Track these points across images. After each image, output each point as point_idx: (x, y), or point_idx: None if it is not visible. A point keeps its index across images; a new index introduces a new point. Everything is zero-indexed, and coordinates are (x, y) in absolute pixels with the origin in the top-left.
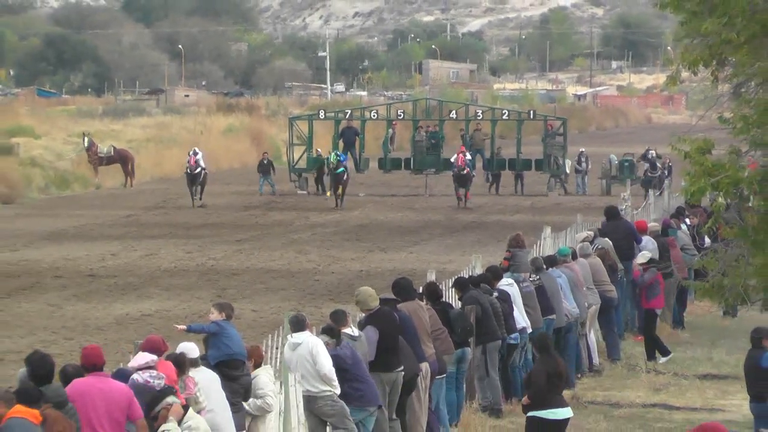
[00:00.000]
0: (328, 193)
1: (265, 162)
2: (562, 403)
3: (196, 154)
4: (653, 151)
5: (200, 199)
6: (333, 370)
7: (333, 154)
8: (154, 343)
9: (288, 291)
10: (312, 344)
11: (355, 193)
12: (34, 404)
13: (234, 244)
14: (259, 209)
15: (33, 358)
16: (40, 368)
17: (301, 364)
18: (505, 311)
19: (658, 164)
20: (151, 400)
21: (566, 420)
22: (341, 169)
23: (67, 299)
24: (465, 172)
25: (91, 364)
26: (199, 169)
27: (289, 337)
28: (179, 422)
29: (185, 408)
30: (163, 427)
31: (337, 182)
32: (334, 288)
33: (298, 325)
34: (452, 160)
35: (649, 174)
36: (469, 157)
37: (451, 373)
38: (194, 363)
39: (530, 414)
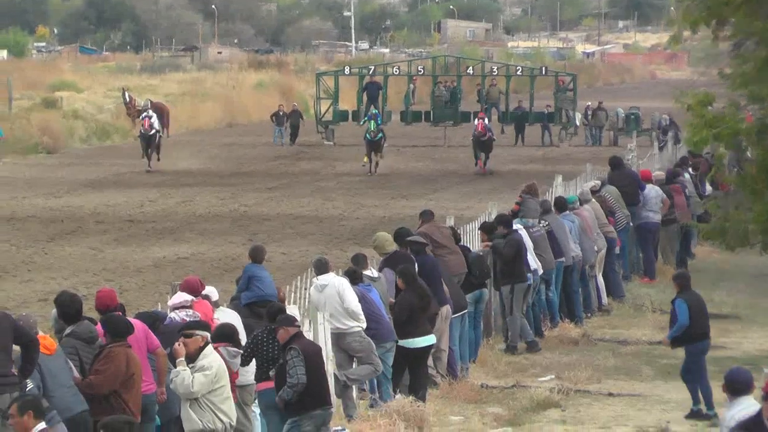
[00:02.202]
0: (365, 159)
1: (281, 113)
2: (424, 332)
3: (150, 117)
4: (666, 116)
5: (158, 160)
6: (359, 306)
7: (373, 122)
8: (192, 283)
9: (315, 235)
10: (338, 284)
11: None
12: (123, 338)
13: (265, 191)
14: (288, 159)
15: (62, 298)
16: (68, 308)
17: (330, 303)
18: None
19: (667, 126)
20: (189, 324)
21: (428, 347)
22: (380, 135)
23: (108, 243)
24: (486, 137)
25: (105, 306)
26: (153, 131)
27: (315, 279)
28: (194, 359)
29: (203, 347)
30: (175, 369)
31: (376, 149)
32: (359, 233)
33: (322, 267)
34: (474, 124)
35: (661, 137)
36: (487, 122)
37: (469, 312)
38: (215, 305)
39: (398, 343)
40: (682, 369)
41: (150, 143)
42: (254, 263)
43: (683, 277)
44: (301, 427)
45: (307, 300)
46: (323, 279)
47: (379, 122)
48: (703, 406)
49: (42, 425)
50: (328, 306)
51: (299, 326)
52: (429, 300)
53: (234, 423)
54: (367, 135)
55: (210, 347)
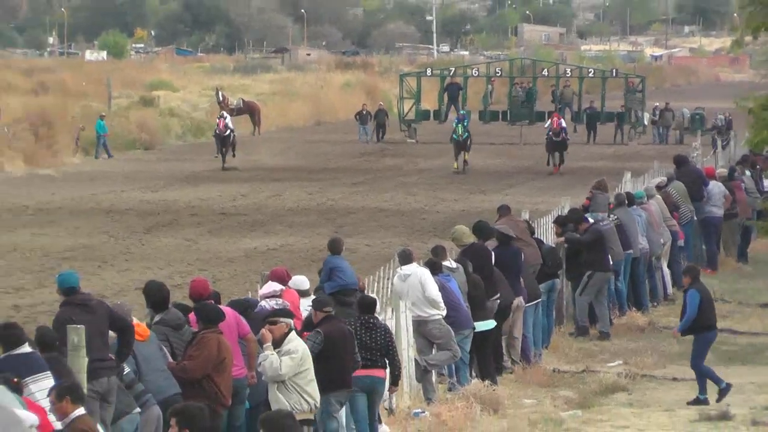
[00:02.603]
0: (455, 165)
1: (364, 113)
2: (482, 317)
3: (224, 117)
4: (722, 116)
5: (233, 156)
6: (440, 294)
7: (460, 125)
8: (280, 274)
9: (398, 228)
10: (421, 274)
11: None
12: (215, 324)
13: (350, 186)
14: (372, 155)
15: (150, 286)
16: (156, 296)
17: (412, 292)
18: None
19: (722, 126)
20: (275, 312)
21: (489, 330)
22: (466, 135)
23: (202, 235)
24: (560, 138)
25: (198, 295)
26: (228, 132)
27: (398, 269)
28: (279, 345)
29: (287, 332)
30: (263, 354)
31: (462, 148)
32: (439, 225)
33: (407, 258)
34: (546, 125)
35: (716, 137)
36: (564, 124)
37: (542, 301)
38: (305, 293)
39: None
40: (692, 358)
41: (225, 143)
42: (333, 255)
43: (694, 270)
44: (329, 406)
45: (390, 289)
46: (407, 269)
47: (466, 124)
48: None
49: (80, 410)
50: (411, 294)
51: (330, 311)
52: (482, 290)
53: (318, 404)
54: (454, 135)
55: (294, 333)
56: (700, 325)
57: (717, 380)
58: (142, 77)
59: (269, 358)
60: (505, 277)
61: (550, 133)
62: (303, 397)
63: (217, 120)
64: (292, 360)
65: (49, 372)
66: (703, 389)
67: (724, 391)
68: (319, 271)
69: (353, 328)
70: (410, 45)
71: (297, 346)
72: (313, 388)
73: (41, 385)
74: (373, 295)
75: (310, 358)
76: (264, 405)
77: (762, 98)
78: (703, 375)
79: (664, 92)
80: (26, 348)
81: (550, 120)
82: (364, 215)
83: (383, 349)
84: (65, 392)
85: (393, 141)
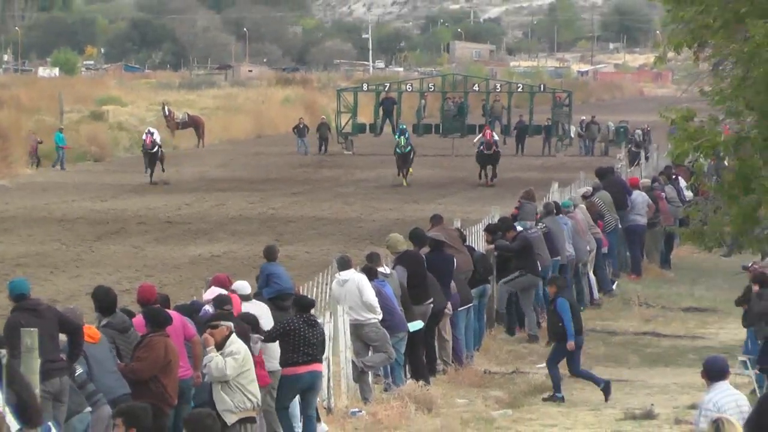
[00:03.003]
0: (398, 176)
1: (301, 126)
2: (412, 318)
3: (151, 134)
4: (639, 130)
5: (162, 170)
6: (376, 299)
7: (402, 138)
8: (221, 280)
9: (335, 236)
10: (358, 279)
11: (392, 153)
12: (162, 328)
13: (290, 196)
14: (311, 167)
15: (98, 291)
16: (103, 301)
17: (350, 296)
18: None
19: (640, 141)
20: (214, 316)
21: (418, 331)
22: (408, 148)
23: (149, 242)
24: (492, 151)
25: (146, 299)
26: (156, 148)
27: (337, 275)
28: (221, 347)
29: (228, 335)
30: (208, 356)
31: (405, 162)
32: (375, 233)
33: (345, 264)
34: (476, 140)
35: (633, 150)
36: (496, 137)
37: (474, 305)
38: (247, 298)
39: None
40: (549, 360)
41: (153, 159)
42: (269, 261)
43: (560, 280)
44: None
45: (328, 294)
46: (345, 275)
47: (407, 137)
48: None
49: None
50: (348, 299)
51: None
52: (406, 294)
53: (260, 402)
54: (397, 149)
55: (234, 335)
56: (564, 332)
57: (597, 380)
58: (93, 93)
59: (214, 359)
60: (438, 282)
61: (482, 146)
62: (246, 396)
63: (144, 136)
64: (235, 360)
65: None
66: (558, 388)
67: (606, 389)
68: (256, 278)
69: (296, 326)
70: (347, 62)
71: (239, 347)
72: (255, 387)
73: None
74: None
75: (251, 359)
76: (208, 404)
77: (684, 110)
78: (555, 378)
79: (590, 106)
80: None
81: (481, 134)
82: (303, 224)
83: (322, 345)
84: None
85: (330, 153)
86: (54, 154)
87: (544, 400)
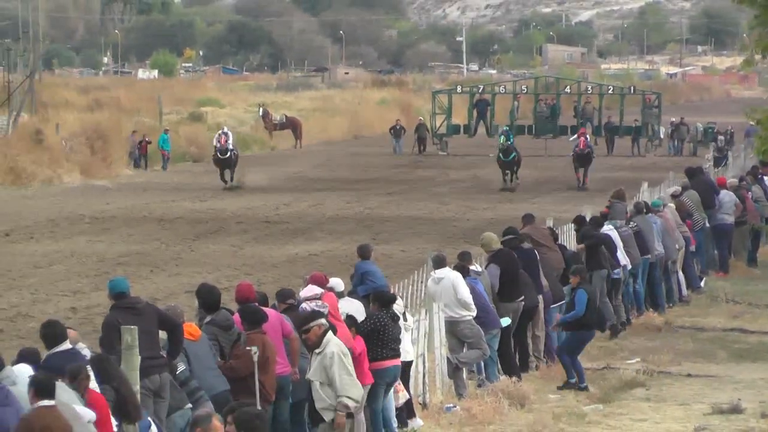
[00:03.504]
0: (504, 179)
1: (398, 127)
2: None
3: (227, 134)
4: (722, 137)
5: (231, 180)
6: (471, 297)
7: (503, 137)
8: (318, 278)
9: (430, 235)
10: (453, 277)
11: (485, 154)
12: (258, 326)
13: (386, 196)
14: (406, 167)
15: (202, 290)
16: (208, 298)
17: (445, 294)
18: (611, 250)
19: (723, 146)
20: (305, 318)
21: (507, 327)
22: (513, 155)
23: (247, 241)
24: (587, 152)
25: (244, 298)
26: (229, 153)
27: (432, 273)
28: (318, 345)
29: (327, 330)
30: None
31: (509, 168)
32: (469, 232)
33: (440, 262)
34: (571, 140)
35: (716, 155)
36: (589, 139)
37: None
38: (340, 295)
39: None
40: (560, 347)
41: (227, 165)
42: (364, 260)
43: (583, 271)
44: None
45: (423, 292)
46: (440, 272)
47: (510, 139)
48: (577, 380)
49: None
50: (444, 297)
51: (292, 302)
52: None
53: (361, 400)
54: (501, 155)
55: (330, 333)
56: (581, 323)
57: (570, 374)
58: (191, 94)
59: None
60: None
61: (577, 149)
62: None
63: (217, 136)
64: (350, 365)
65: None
66: (570, 374)
67: (576, 386)
68: (351, 277)
69: (384, 322)
70: (442, 64)
71: (338, 344)
72: (356, 385)
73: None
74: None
75: (349, 356)
76: (307, 400)
77: None
78: (567, 365)
79: (679, 108)
80: (67, 344)
81: (577, 137)
82: (399, 223)
83: (399, 340)
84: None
85: (426, 154)
86: (158, 155)
87: (559, 388)
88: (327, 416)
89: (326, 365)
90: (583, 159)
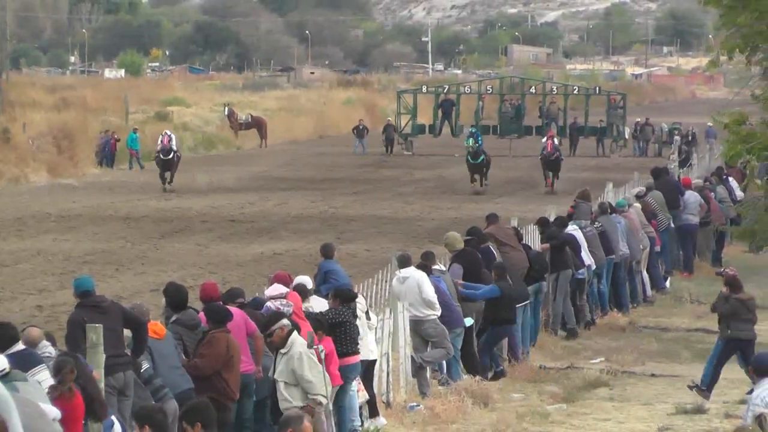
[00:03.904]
0: (472, 182)
1: (361, 127)
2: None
3: (169, 136)
4: (677, 138)
5: (170, 183)
6: (435, 296)
7: (471, 140)
8: (282, 278)
9: (395, 234)
10: (418, 276)
11: (451, 154)
12: (223, 324)
13: (351, 195)
14: (371, 167)
15: (169, 288)
16: (175, 297)
17: (410, 293)
18: (575, 250)
19: (681, 144)
20: (267, 320)
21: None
22: (481, 157)
23: (213, 240)
24: (554, 157)
25: (208, 297)
26: (172, 154)
27: (397, 272)
28: (282, 346)
29: (291, 331)
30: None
31: (478, 171)
32: (434, 231)
33: (405, 262)
34: (542, 142)
35: (672, 157)
36: (557, 142)
37: (530, 302)
38: (310, 292)
39: None
40: (482, 345)
41: (168, 166)
42: (327, 259)
43: (502, 268)
44: None
45: (388, 291)
46: (405, 272)
47: (479, 141)
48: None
49: None
50: (409, 296)
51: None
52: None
53: (327, 400)
54: (469, 158)
55: (296, 333)
56: (496, 319)
57: (486, 370)
58: (157, 94)
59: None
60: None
61: (545, 152)
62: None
63: (161, 136)
64: (310, 360)
65: (44, 365)
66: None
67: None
68: (315, 276)
69: (348, 317)
70: (407, 64)
71: (300, 346)
72: (320, 384)
73: (41, 377)
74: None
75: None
76: (270, 398)
77: (736, 114)
78: (485, 364)
79: (644, 108)
80: (20, 345)
81: (545, 140)
82: (363, 222)
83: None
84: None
85: (393, 154)
86: (125, 154)
87: (491, 379)
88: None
89: (294, 367)
90: (551, 164)
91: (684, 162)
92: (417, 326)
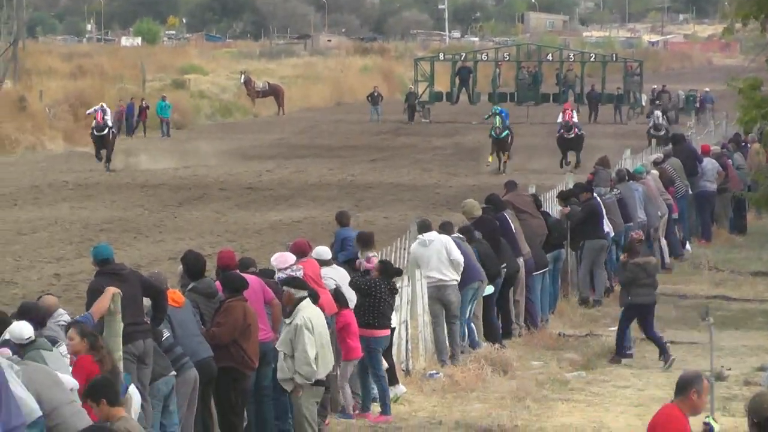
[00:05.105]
0: (490, 158)
1: (375, 95)
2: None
3: (103, 111)
4: (659, 113)
5: (108, 161)
6: (462, 258)
7: (498, 118)
8: (301, 245)
9: (413, 202)
10: (444, 239)
11: (468, 121)
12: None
13: (369, 163)
14: (389, 134)
15: (188, 257)
16: (193, 266)
17: (437, 256)
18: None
19: (662, 122)
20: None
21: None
22: (505, 132)
23: (230, 208)
24: (573, 134)
25: (225, 265)
26: (107, 130)
27: (419, 236)
28: (289, 315)
29: (300, 300)
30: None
31: (502, 147)
32: (452, 199)
33: (426, 227)
34: (558, 120)
35: (653, 132)
36: (576, 118)
37: (549, 270)
38: (327, 263)
39: None
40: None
41: (104, 142)
42: (343, 227)
43: (467, 231)
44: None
45: (406, 259)
46: (428, 236)
47: (504, 117)
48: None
49: (122, 412)
50: (434, 259)
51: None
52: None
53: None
54: (492, 132)
55: (306, 301)
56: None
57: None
58: (174, 62)
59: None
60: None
61: (561, 129)
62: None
63: (95, 112)
64: (309, 339)
65: (61, 342)
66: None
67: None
68: (331, 245)
69: (380, 291)
70: (424, 32)
71: (310, 314)
72: (325, 356)
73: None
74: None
75: (322, 328)
76: None
77: (751, 79)
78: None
79: (661, 75)
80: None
81: (561, 113)
82: (381, 190)
83: (393, 309)
84: (100, 394)
85: (407, 121)
86: (156, 121)
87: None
88: (287, 387)
89: (291, 337)
90: (570, 142)
91: (665, 136)
92: (439, 292)
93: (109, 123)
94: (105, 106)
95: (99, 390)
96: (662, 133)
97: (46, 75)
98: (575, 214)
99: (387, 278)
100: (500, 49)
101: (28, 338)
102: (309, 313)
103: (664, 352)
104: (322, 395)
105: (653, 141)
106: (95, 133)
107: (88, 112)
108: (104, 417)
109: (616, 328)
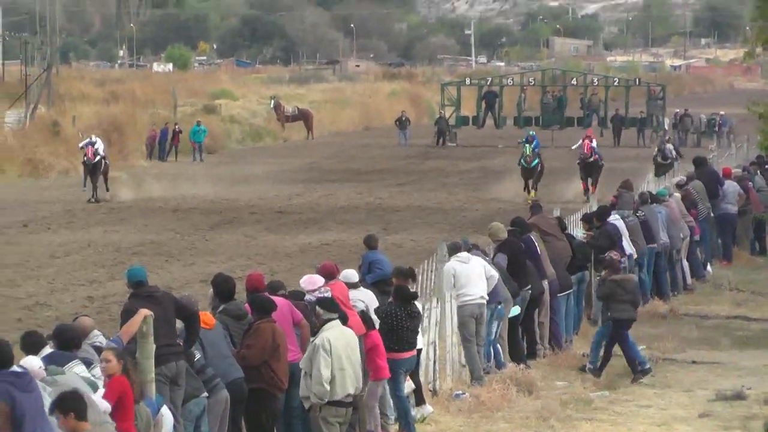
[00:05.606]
0: (524, 189)
1: (403, 119)
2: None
3: (93, 144)
4: (669, 145)
5: (107, 189)
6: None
7: (528, 146)
8: (329, 268)
9: (440, 224)
10: (480, 259)
11: (494, 145)
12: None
13: (396, 186)
14: (416, 158)
15: (217, 279)
16: (223, 288)
17: (478, 272)
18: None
19: (670, 154)
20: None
21: (516, 317)
22: (536, 161)
23: (260, 231)
24: (592, 159)
25: (254, 288)
26: (98, 158)
27: (454, 256)
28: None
29: (325, 322)
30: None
31: (531, 175)
32: (478, 221)
33: (457, 248)
34: (575, 147)
35: (659, 160)
36: (594, 144)
37: (573, 291)
38: (355, 286)
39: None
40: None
41: (95, 172)
42: (371, 250)
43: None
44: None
45: (433, 281)
46: (462, 256)
47: (535, 147)
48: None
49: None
50: (474, 276)
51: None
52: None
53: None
54: (523, 161)
55: (329, 324)
56: None
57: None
58: (205, 87)
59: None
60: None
61: (582, 155)
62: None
63: (85, 147)
64: (324, 359)
65: (78, 360)
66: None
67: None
68: (359, 267)
69: (401, 320)
70: (451, 57)
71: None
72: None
73: (77, 370)
74: (414, 291)
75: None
76: None
77: None
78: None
79: (683, 99)
80: (47, 349)
81: (582, 140)
82: (409, 213)
83: (416, 332)
84: (69, 407)
85: (435, 145)
86: (188, 146)
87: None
88: (306, 404)
89: (310, 356)
90: (590, 167)
91: (669, 166)
92: (480, 309)
93: (101, 153)
94: (94, 137)
95: (69, 403)
96: (668, 162)
97: (79, 100)
98: (595, 243)
99: (403, 303)
100: (525, 73)
101: (40, 368)
102: (331, 334)
103: (635, 372)
104: (350, 416)
105: (656, 168)
106: (86, 163)
107: (79, 145)
108: (71, 430)
109: (640, 348)
